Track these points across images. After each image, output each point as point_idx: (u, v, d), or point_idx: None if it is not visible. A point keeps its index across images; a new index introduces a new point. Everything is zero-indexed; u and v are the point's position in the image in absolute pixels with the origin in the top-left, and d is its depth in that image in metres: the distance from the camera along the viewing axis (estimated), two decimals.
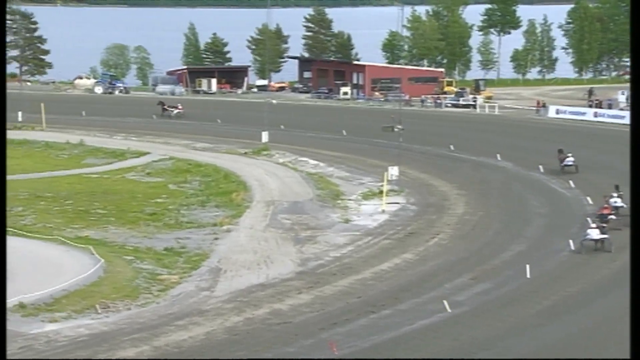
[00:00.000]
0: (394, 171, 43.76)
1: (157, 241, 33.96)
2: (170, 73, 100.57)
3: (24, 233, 33.03)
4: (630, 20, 15.84)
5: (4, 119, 17.43)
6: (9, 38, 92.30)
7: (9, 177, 47.04)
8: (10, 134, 63.52)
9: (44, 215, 37.76)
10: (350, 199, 42.33)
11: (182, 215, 38.87)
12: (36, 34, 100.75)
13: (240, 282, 28.48)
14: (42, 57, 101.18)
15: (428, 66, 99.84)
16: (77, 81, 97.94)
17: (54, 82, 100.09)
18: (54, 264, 29.03)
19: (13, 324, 22.60)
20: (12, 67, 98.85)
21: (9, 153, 61.33)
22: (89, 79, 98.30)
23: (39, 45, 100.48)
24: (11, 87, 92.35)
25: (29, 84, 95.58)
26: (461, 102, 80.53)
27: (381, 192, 41.67)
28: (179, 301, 26.41)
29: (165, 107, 77.93)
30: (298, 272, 29.79)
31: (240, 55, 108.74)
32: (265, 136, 58.51)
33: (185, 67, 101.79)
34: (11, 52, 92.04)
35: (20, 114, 69.14)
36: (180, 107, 79.53)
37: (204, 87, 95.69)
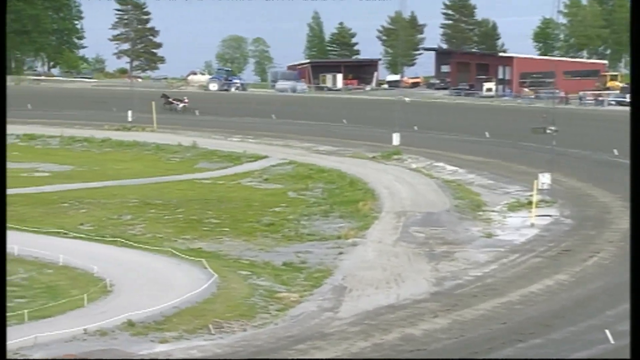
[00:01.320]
0: (545, 179, 42.68)
1: (275, 255, 34.38)
2: (291, 68, 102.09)
3: (132, 244, 34.20)
4: (630, 20, 16.52)
5: (4, 119, 18.77)
6: (120, 30, 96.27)
7: (118, 183, 49.06)
8: (120, 136, 66.29)
9: (153, 224, 38.99)
10: (493, 211, 41.58)
11: (303, 226, 39.22)
12: (148, 25, 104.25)
13: (367, 302, 28.40)
14: (153, 50, 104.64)
15: (588, 58, 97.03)
16: (191, 77, 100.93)
17: (165, 79, 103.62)
18: (164, 279, 29.88)
19: (122, 343, 23.40)
20: (122, 62, 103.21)
21: (118, 156, 63.70)
22: (203, 74, 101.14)
23: (150, 37, 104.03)
24: (121, 84, 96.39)
25: (139, 80, 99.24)
26: (628, 100, 77.79)
27: (530, 202, 40.70)
28: (299, 322, 26.61)
29: (170, 100, 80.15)
30: (433, 292, 29.44)
31: (369, 47, 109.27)
32: (396, 138, 58.38)
33: (308, 61, 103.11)
34: (122, 46, 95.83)
35: (130, 113, 71.90)
36: (186, 100, 79.96)
37: (329, 84, 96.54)
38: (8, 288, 28.18)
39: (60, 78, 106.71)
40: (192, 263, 31.69)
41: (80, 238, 34.96)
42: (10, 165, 56.80)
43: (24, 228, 35.90)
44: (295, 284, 30.59)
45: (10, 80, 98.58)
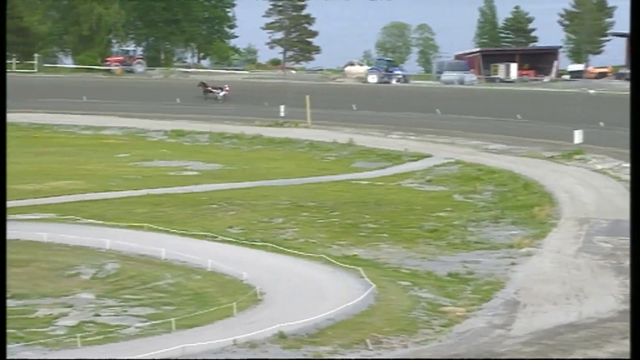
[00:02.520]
0: None
1: (439, 264, 34.14)
2: (459, 57, 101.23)
3: (284, 249, 34.77)
4: (630, 20, 17.24)
5: (4, 118, 20.15)
6: (273, 18, 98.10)
7: (268, 183, 50.02)
8: (271, 132, 67.61)
9: (306, 228, 39.51)
10: None
11: (470, 233, 38.80)
12: (303, 12, 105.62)
13: (544, 320, 27.76)
14: (308, 40, 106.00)
15: None
16: (348, 68, 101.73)
17: (321, 70, 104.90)
18: (317, 288, 30.20)
19: (273, 357, 23.81)
20: (274, 53, 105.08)
21: (269, 154, 65.13)
22: (361, 65, 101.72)
23: (306, 25, 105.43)
24: (273, 76, 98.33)
25: (293, 72, 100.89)
26: None
27: None
28: (466, 340, 26.31)
29: (209, 88, 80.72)
30: (621, 311, 28.43)
31: (548, 33, 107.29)
32: (578, 136, 56.92)
33: (478, 49, 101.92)
34: (275, 35, 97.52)
35: (282, 108, 73.26)
36: (227, 88, 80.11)
37: (501, 75, 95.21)
38: (156, 294, 29.38)
39: (210, 70, 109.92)
40: (348, 271, 31.88)
41: (229, 242, 35.84)
42: (158, 164, 59.11)
43: (172, 230, 37.17)
44: (462, 297, 30.27)
45: (159, 73, 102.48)
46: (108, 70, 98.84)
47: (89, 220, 38.77)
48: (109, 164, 55.16)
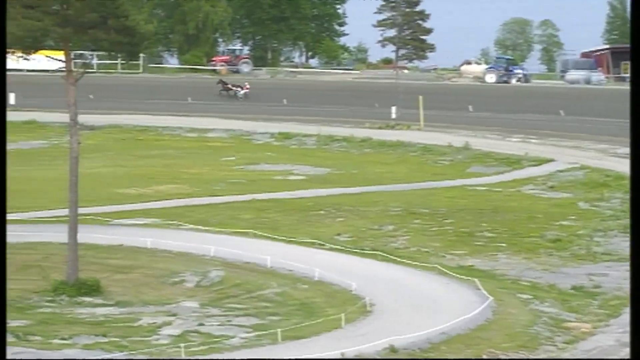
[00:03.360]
0: None
1: (563, 277, 33.57)
2: (585, 55, 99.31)
3: (395, 258, 34.65)
4: (630, 20, 17.94)
5: (4, 118, 20.50)
6: (385, 14, 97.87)
7: (379, 188, 49.88)
8: (382, 134, 67.51)
9: (418, 236, 39.32)
10: None
11: (597, 243, 38.04)
12: (417, 8, 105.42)
13: None
14: (422, 37, 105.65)
15: None
16: (465, 67, 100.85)
17: (435, 69, 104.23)
18: (430, 300, 30.00)
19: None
20: (386, 51, 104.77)
21: (380, 158, 64.80)
22: (479, 64, 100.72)
23: (419, 22, 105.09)
24: (385, 75, 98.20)
25: (405, 71, 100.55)
26: None
27: None
28: (592, 358, 25.80)
29: (228, 85, 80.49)
30: None
31: None
32: None
33: (607, 46, 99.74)
34: (387, 32, 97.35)
35: (394, 109, 73.05)
36: (247, 86, 79.64)
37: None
38: (261, 304, 29.63)
39: (319, 70, 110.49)
40: (463, 283, 31.60)
41: (337, 250, 35.91)
42: (264, 167, 59.59)
43: (278, 237, 37.45)
44: (587, 312, 29.69)
45: (266, 73, 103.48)
46: (214, 70, 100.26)
47: (193, 226, 39.36)
48: (213, 168, 55.93)
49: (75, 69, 31.34)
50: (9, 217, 39.67)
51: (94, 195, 42.93)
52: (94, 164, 53.10)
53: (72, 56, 31.52)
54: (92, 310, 28.83)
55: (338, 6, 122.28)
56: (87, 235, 33.93)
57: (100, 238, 35.77)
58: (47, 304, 29.62)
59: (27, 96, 74.89)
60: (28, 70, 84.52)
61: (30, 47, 30.46)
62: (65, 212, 32.66)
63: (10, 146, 67.01)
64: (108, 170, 53.81)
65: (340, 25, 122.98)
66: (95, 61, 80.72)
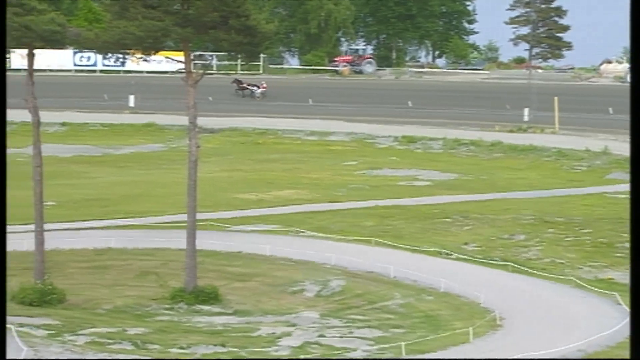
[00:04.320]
0: None
1: None
2: None
3: (527, 270, 34.20)
4: (630, 20, 18.71)
5: (4, 118, 21.24)
6: (519, 11, 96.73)
7: (509, 195, 49.20)
8: (513, 138, 66.67)
9: (552, 247, 38.70)
10: None
11: None
12: (553, 4, 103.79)
13: None
14: (558, 35, 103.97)
15: None
16: (604, 67, 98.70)
17: (572, 69, 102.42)
18: (565, 314, 29.53)
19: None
20: (519, 50, 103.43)
21: (510, 163, 63.79)
22: (620, 63, 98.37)
23: (555, 19, 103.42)
24: (517, 75, 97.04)
25: (539, 71, 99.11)
26: None
27: None
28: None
29: (244, 85, 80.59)
30: None
31: None
32: None
33: None
34: (520, 30, 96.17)
35: (526, 111, 72.10)
36: (264, 85, 79.66)
37: None
38: (384, 315, 29.63)
39: (446, 70, 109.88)
40: (602, 297, 30.98)
41: (465, 260, 35.64)
42: (387, 172, 59.45)
43: (401, 246, 37.38)
44: None
45: (390, 74, 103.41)
46: (335, 71, 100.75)
47: (313, 233, 39.61)
48: (334, 172, 56.18)
49: (195, 70, 31.89)
50: (128, 222, 40.88)
51: (212, 201, 43.62)
52: (213, 168, 53.98)
53: (192, 57, 32.08)
54: (210, 319, 29.30)
55: (468, 3, 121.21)
56: (206, 241, 34.51)
57: (218, 244, 36.32)
58: (165, 311, 30.23)
59: (146, 98, 76.62)
60: (147, 72, 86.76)
61: (150, 48, 31.14)
62: (184, 217, 33.26)
63: (129, 149, 68.83)
64: (227, 174, 54.63)
65: (470, 22, 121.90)
66: (215, 62, 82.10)
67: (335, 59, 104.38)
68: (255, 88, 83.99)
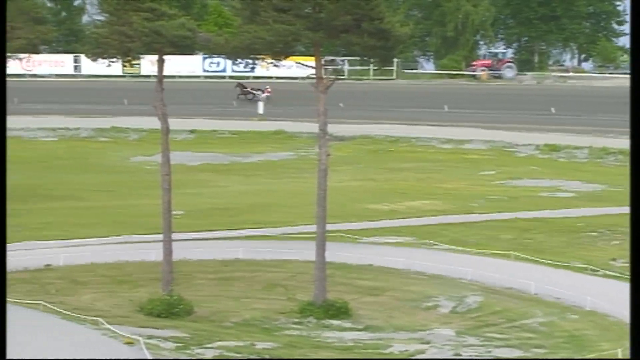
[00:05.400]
0: None
1: None
2: None
3: None
4: (630, 20, 19.24)
5: (4, 119, 21.69)
6: None
7: None
8: None
9: None
10: None
11: None
12: None
13: None
14: None
15: None
16: None
17: None
18: None
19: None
20: None
21: None
22: None
23: None
24: None
25: None
26: None
27: None
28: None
29: (247, 89, 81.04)
30: None
31: None
32: None
33: None
34: None
35: None
36: (268, 89, 79.35)
37: None
38: (524, 334, 29.32)
39: (592, 74, 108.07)
40: None
41: (613, 277, 34.95)
42: (527, 183, 58.76)
43: (543, 261, 36.91)
44: None
45: (532, 78, 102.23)
46: (473, 76, 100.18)
47: (448, 246, 39.44)
48: (471, 183, 55.84)
49: (326, 76, 32.12)
50: (255, 232, 41.47)
51: (342, 211, 43.88)
52: (343, 177, 54.31)
53: (323, 62, 32.33)
54: (340, 335, 29.45)
55: (618, 3, 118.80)
56: (335, 253, 34.71)
57: (348, 257, 36.50)
58: (293, 325, 30.51)
59: (275, 105, 77.58)
60: (277, 78, 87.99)
61: (280, 52, 31.51)
62: (313, 228, 33.52)
63: (257, 157, 69.95)
64: (358, 184, 54.86)
65: (619, 24, 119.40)
66: (346, 67, 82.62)
67: (473, 63, 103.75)
68: (259, 92, 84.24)
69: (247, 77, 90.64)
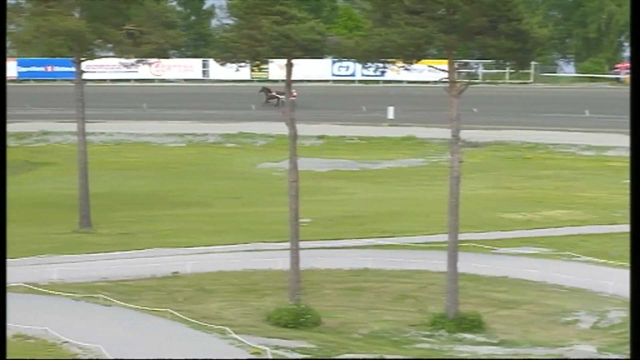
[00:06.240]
0: None
1: None
2: None
3: None
4: (630, 20, 20.00)
5: (4, 119, 22.23)
6: None
7: None
8: None
9: None
10: None
11: None
12: None
13: None
14: None
15: None
16: None
17: None
18: None
19: None
20: None
21: None
22: None
23: None
24: None
25: None
26: None
27: None
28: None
29: (272, 93, 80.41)
30: None
31: None
32: None
33: None
34: None
35: None
36: (294, 93, 75.85)
37: None
38: None
39: None
40: None
41: None
42: None
43: None
44: None
45: None
46: (616, 79, 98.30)
47: (589, 258, 38.79)
48: (613, 192, 54.71)
49: (459, 80, 31.95)
50: (385, 241, 41.50)
51: (475, 220, 43.58)
52: (477, 184, 53.92)
53: (456, 65, 32.16)
54: (473, 349, 29.24)
55: None
56: (468, 264, 34.49)
57: (482, 268, 36.23)
58: (424, 338, 30.41)
59: (406, 110, 77.47)
60: (408, 82, 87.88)
61: (412, 56, 31.45)
62: (444, 237, 33.36)
63: (387, 164, 69.95)
64: (492, 192, 54.40)
65: None
66: (480, 70, 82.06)
67: (617, 65, 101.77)
68: (284, 97, 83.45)
69: (377, 82, 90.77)
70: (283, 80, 33.48)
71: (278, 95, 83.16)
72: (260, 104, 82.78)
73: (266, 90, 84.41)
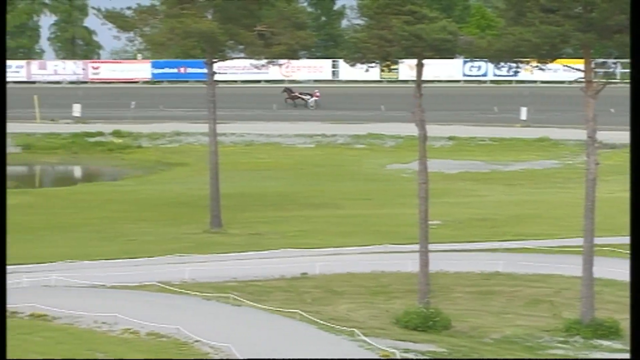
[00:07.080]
0: None
1: None
2: None
3: None
4: (630, 20, 22.63)
5: (4, 119, 22.68)
6: None
7: None
8: None
9: None
10: None
11: None
12: None
13: None
14: None
15: None
16: None
17: None
18: None
19: None
20: None
21: None
22: None
23: None
24: None
25: None
26: None
27: None
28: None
29: (295, 94, 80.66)
30: None
31: None
32: None
33: None
34: None
35: None
36: (317, 93, 78.90)
37: None
38: None
39: None
40: None
41: None
42: None
43: None
44: None
45: None
46: None
47: None
48: None
49: (596, 80, 31.34)
50: (517, 244, 41.00)
51: (612, 224, 42.64)
52: (614, 187, 52.78)
53: (593, 65, 31.55)
54: (609, 356, 28.66)
55: None
56: (604, 269, 33.78)
57: (619, 273, 35.38)
58: (559, 345, 29.94)
59: (540, 110, 76.43)
60: (542, 82, 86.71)
61: (546, 55, 30.97)
62: (579, 241, 32.80)
63: (519, 165, 69.19)
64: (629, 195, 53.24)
65: None
66: (618, 70, 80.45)
67: None
68: (308, 97, 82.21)
69: (510, 82, 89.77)
70: (413, 81, 33.26)
71: (300, 96, 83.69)
72: (282, 104, 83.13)
73: (288, 90, 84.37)
